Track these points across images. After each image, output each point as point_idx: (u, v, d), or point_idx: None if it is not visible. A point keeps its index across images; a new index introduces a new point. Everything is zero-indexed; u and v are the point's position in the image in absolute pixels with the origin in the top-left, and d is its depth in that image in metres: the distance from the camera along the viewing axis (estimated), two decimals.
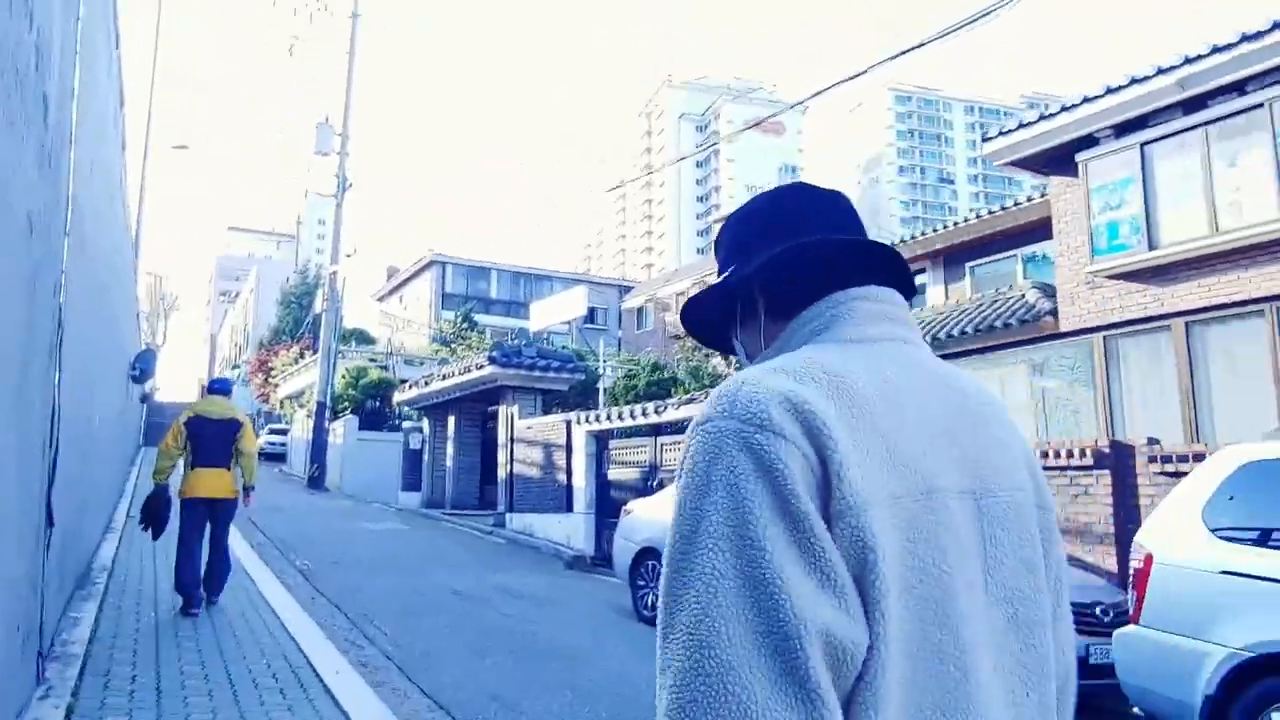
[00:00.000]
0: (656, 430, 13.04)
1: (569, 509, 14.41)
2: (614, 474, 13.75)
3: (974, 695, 0.83)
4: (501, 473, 17.10)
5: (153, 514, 7.16)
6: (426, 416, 21.26)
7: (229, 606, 7.41)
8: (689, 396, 12.12)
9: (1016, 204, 18.64)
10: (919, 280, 22.17)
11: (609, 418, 13.58)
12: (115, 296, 11.46)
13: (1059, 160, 12.45)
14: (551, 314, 36.79)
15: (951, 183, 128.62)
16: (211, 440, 7.08)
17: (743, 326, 1.09)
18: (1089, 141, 11.87)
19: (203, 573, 7.06)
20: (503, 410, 17.27)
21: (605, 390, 20.19)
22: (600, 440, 14.21)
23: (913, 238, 21.36)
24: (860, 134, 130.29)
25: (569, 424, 14.70)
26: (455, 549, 14.13)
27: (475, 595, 9.78)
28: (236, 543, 9.99)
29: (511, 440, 16.43)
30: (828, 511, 0.79)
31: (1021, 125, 12.53)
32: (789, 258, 1.01)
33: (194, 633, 6.33)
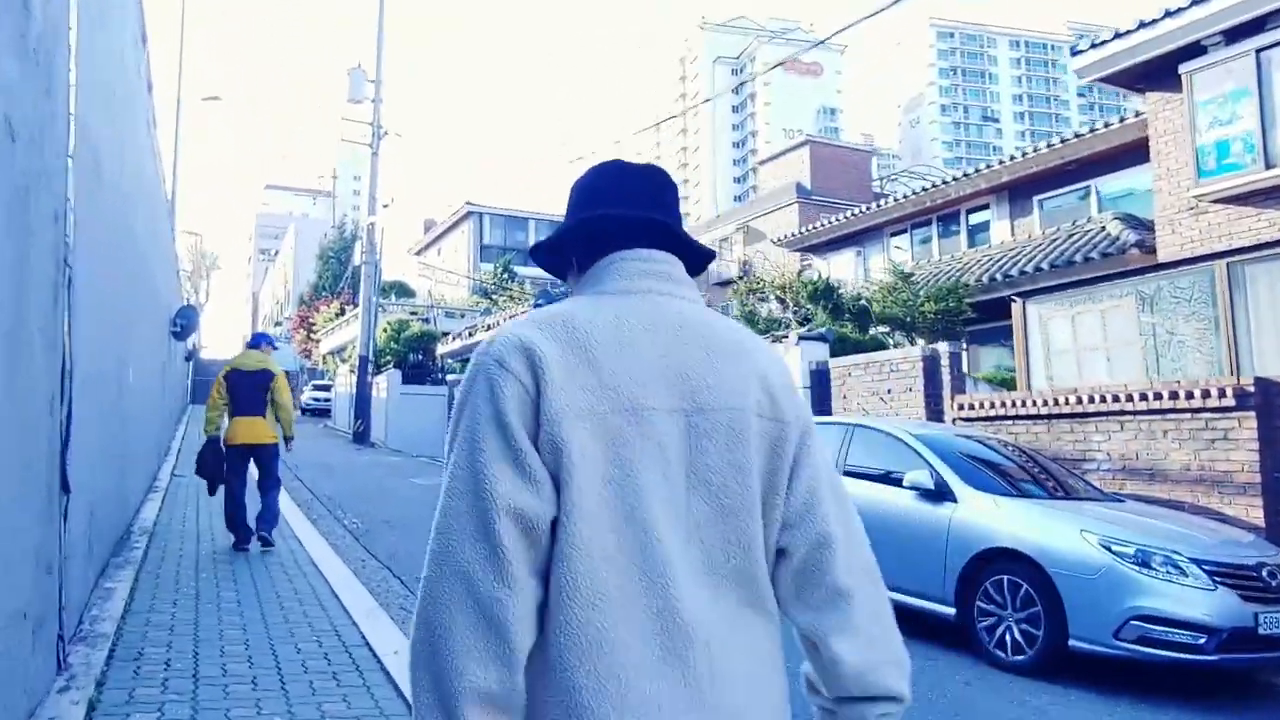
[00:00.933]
0: None
1: None
2: None
3: (657, 552, 1.12)
4: None
5: (206, 465, 7.68)
6: None
7: (276, 574, 6.86)
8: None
9: (1093, 130, 17.38)
10: (982, 216, 21.05)
11: None
12: (149, 247, 10.90)
13: (1158, 73, 11.29)
14: None
15: (996, 121, 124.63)
16: (247, 390, 7.53)
17: (572, 272, 1.41)
18: (1194, 51, 10.70)
19: (251, 516, 7.58)
20: None
21: None
22: None
23: (976, 171, 20.18)
24: (901, 73, 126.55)
25: None
26: None
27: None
28: (284, 501, 9.47)
29: None
30: (537, 423, 1.11)
31: (1117, 35, 11.36)
32: (578, 227, 1.35)
33: (238, 603, 5.76)
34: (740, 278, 36.20)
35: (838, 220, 24.24)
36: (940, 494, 6.18)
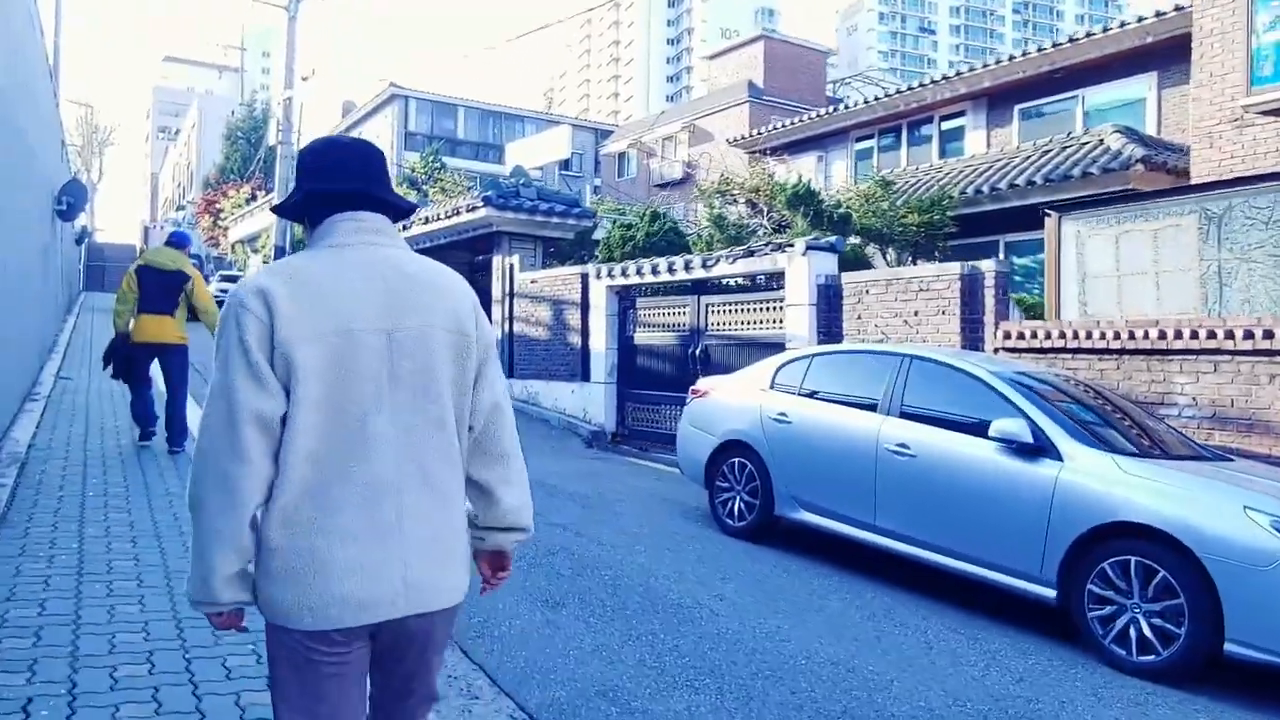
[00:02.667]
0: (699, 287, 10.89)
1: (585, 377, 12.38)
2: (642, 338, 11.67)
3: (363, 429, 1.70)
4: (496, 331, 14.92)
5: (112, 357, 7.55)
6: None
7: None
8: (747, 249, 9.97)
9: (1089, 35, 16.12)
10: (958, 123, 19.81)
11: (638, 272, 11.37)
12: (20, 109, 8.80)
13: None
14: (530, 155, 33.69)
15: (933, 33, 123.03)
16: (156, 289, 7.35)
17: (306, 227, 1.92)
18: None
19: (159, 414, 7.61)
20: (498, 260, 14.93)
21: (601, 242, 17.85)
22: (624, 298, 12.05)
23: (957, 74, 18.79)
24: None
25: (585, 278, 12.48)
26: None
27: None
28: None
29: (510, 295, 14.19)
30: (272, 345, 1.65)
31: None
32: (305, 200, 1.88)
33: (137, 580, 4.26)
34: (684, 179, 34.57)
35: (798, 121, 22.69)
36: (1039, 449, 5.00)
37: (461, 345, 1.83)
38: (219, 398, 1.65)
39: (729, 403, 7.12)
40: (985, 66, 18.39)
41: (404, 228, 17.26)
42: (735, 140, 25.33)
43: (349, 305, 1.72)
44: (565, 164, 40.63)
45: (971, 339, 7.75)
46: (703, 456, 7.16)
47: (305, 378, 1.65)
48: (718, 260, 10.21)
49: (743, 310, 10.12)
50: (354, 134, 45.50)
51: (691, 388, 7.71)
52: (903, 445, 5.65)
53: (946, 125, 20.07)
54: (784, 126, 22.85)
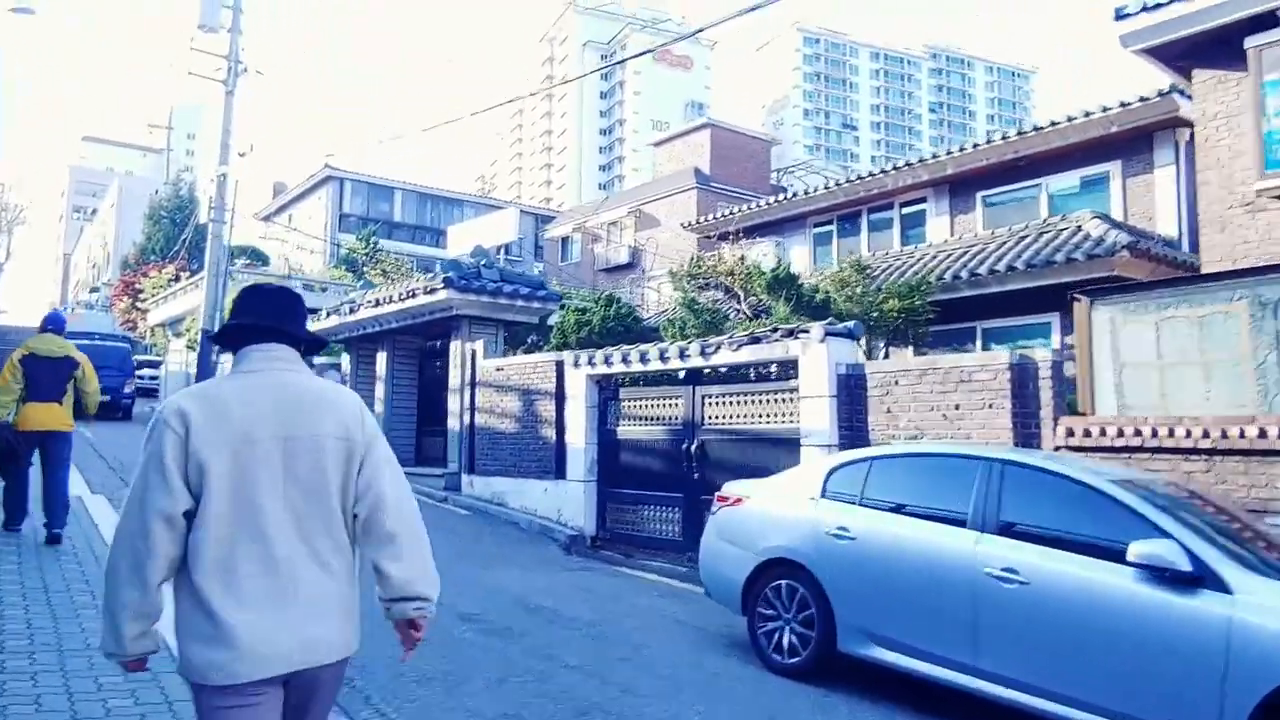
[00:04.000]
0: (694, 377, 9.96)
1: (560, 474, 11.23)
2: (626, 431, 10.63)
3: (260, 519, 2.14)
4: (454, 423, 13.70)
5: (3, 453, 7.23)
6: (348, 351, 17.48)
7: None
8: (750, 335, 9.10)
9: (1053, 124, 16.12)
10: (919, 209, 19.64)
11: (624, 360, 10.39)
12: None
13: (1213, 48, 9.80)
14: (473, 238, 32.75)
15: (855, 129, 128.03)
16: (46, 377, 7.24)
17: (231, 350, 2.40)
18: (1267, 21, 9.25)
19: (38, 503, 7.29)
20: (456, 346, 13.80)
21: (555, 327, 16.89)
22: (605, 388, 11.03)
23: (920, 160, 18.67)
24: (767, 74, 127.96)
25: (560, 365, 11.44)
26: None
27: (491, 620, 6.59)
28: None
29: (473, 384, 13.04)
30: (187, 455, 2.10)
31: None
32: (229, 331, 2.38)
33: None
34: (631, 264, 34.07)
35: (755, 207, 22.33)
36: (1195, 578, 4.11)
37: (347, 448, 2.29)
38: (135, 499, 2.13)
39: (770, 513, 6.11)
40: (949, 154, 18.30)
41: (351, 310, 16.06)
42: (690, 225, 24.88)
43: (251, 420, 2.19)
44: (506, 249, 39.86)
45: (1024, 436, 6.94)
46: (738, 577, 6.09)
47: (213, 478, 2.13)
48: (717, 348, 9.32)
49: (748, 402, 9.20)
50: (287, 214, 44.17)
51: (718, 494, 6.68)
52: (1010, 570, 4.70)
53: (907, 210, 19.89)
54: (738, 212, 22.47)
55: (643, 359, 10.12)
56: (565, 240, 38.67)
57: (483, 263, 14.08)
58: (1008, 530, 4.88)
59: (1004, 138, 17.20)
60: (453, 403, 13.75)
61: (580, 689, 5.09)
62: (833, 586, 5.52)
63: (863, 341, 13.36)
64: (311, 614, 2.18)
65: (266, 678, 2.12)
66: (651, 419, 10.30)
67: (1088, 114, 15.47)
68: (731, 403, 9.39)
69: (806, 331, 8.41)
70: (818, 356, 8.30)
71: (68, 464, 7.42)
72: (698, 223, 25.10)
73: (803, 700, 5.26)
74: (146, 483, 2.11)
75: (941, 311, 13.59)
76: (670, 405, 10.09)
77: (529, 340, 15.95)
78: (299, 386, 2.30)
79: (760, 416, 9.08)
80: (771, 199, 22.25)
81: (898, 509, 5.44)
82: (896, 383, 7.76)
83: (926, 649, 5.03)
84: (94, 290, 56.86)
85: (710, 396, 9.65)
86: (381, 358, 16.40)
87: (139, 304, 33.92)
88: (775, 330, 8.97)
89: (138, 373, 25.07)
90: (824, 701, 5.26)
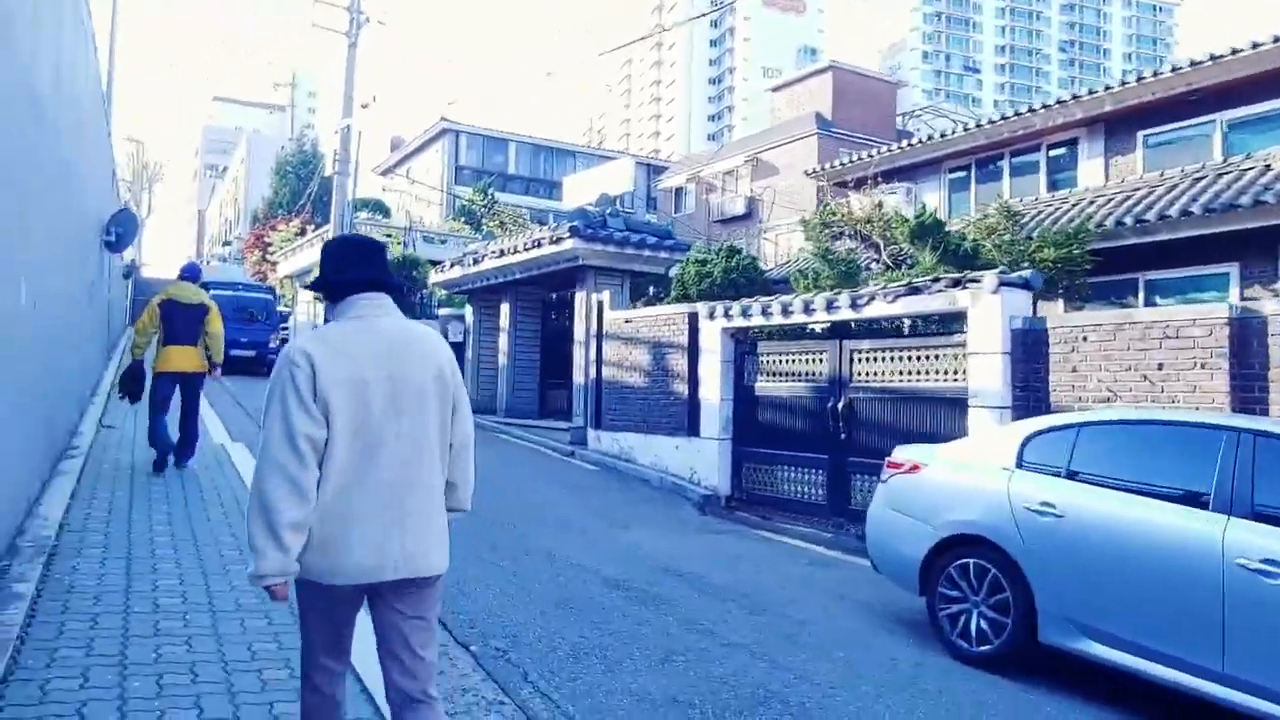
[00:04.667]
0: (841, 330, 9.28)
1: (693, 431, 10.77)
2: (765, 388, 10.05)
3: (377, 449, 2.45)
4: (579, 376, 13.39)
5: (130, 384, 8.06)
6: (471, 303, 17.40)
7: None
8: (909, 285, 8.35)
9: (1235, 52, 14.42)
10: (1068, 150, 18.14)
11: (764, 312, 9.78)
12: (68, 137, 7.58)
13: None
14: (590, 189, 32.53)
15: (978, 71, 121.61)
16: (182, 322, 7.80)
17: (327, 303, 2.69)
18: None
19: (175, 439, 7.89)
20: (582, 297, 13.44)
21: (675, 280, 16.33)
22: (741, 342, 10.46)
23: (1074, 98, 17.14)
24: (884, 15, 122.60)
25: (694, 318, 10.92)
26: (540, 481, 10.54)
27: (638, 586, 6.20)
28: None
29: (600, 335, 12.66)
30: (316, 389, 2.39)
31: None
32: (331, 285, 2.63)
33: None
34: (747, 214, 33.11)
35: (886, 151, 21.08)
36: None
37: (442, 389, 2.62)
38: (279, 422, 2.38)
39: (955, 483, 5.46)
40: (1107, 89, 16.72)
41: (475, 261, 15.89)
42: (813, 172, 23.77)
43: (364, 361, 2.49)
44: (619, 200, 39.43)
45: (1244, 401, 6.05)
46: (915, 553, 5.49)
47: (335, 412, 2.42)
48: (870, 299, 8.60)
49: (904, 359, 8.48)
50: (404, 168, 44.75)
51: (888, 460, 6.07)
52: (1272, 562, 3.96)
53: (1056, 152, 18.42)
54: (865, 158, 21.31)
55: (785, 311, 9.49)
56: (679, 191, 37.91)
57: (608, 211, 13.63)
58: (1265, 515, 4.12)
59: (1174, 69, 15.56)
60: (578, 355, 13.43)
61: (750, 672, 4.62)
62: (1033, 569, 4.86)
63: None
64: (415, 533, 2.51)
65: (366, 584, 2.48)
66: (792, 375, 9.69)
67: (1277, 39, 13.78)
68: (884, 359, 8.69)
69: (977, 281, 7.62)
70: (989, 309, 7.50)
71: (199, 404, 8.17)
72: (821, 169, 23.98)
73: (1000, 696, 4.66)
74: (287, 411, 2.37)
75: (1099, 262, 12.44)
76: (814, 361, 9.45)
77: (649, 292, 15.47)
78: (400, 331, 2.61)
79: (918, 374, 8.35)
80: (904, 143, 20.96)
81: (1116, 485, 4.72)
82: (1085, 338, 6.91)
83: (1155, 648, 4.34)
84: (226, 244, 59.49)
85: (860, 352, 8.96)
86: (504, 309, 16.23)
87: (268, 256, 35.04)
88: (938, 280, 8.19)
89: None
90: (1025, 699, 4.65)
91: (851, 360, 9.02)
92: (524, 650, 4.67)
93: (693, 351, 10.88)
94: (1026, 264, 11.86)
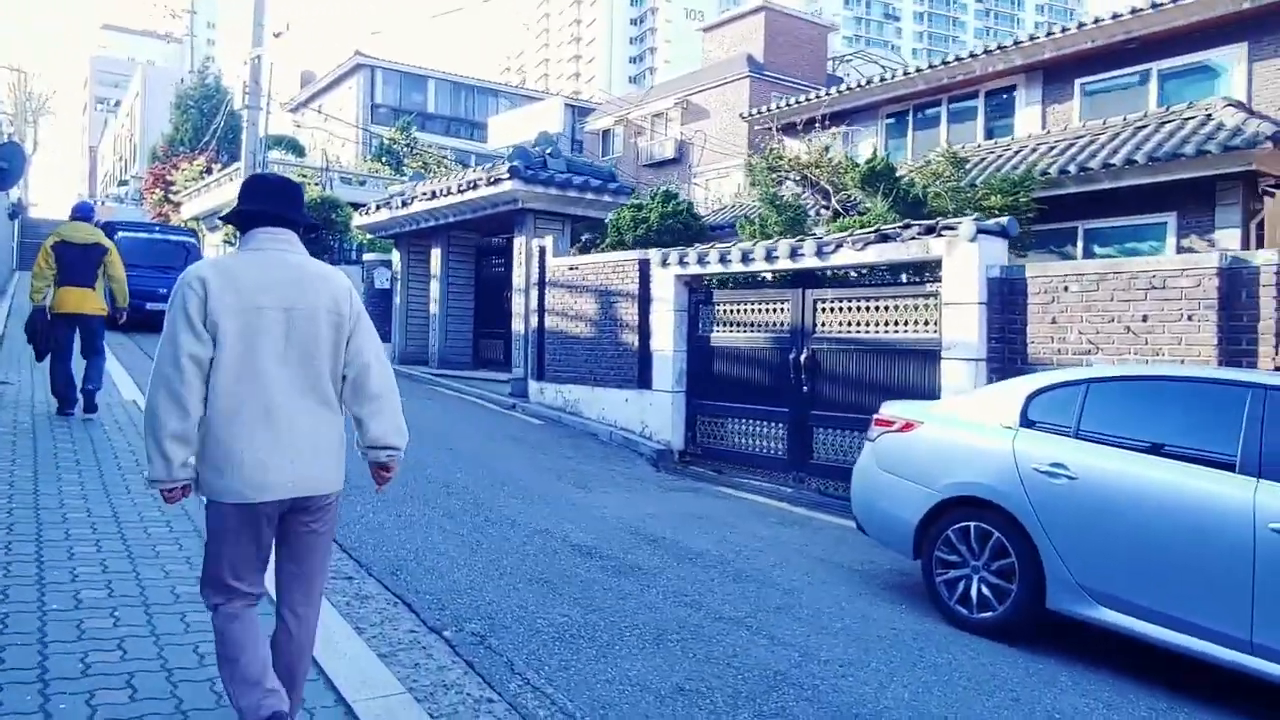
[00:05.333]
0: (804, 279, 8.93)
1: (644, 383, 10.36)
2: (721, 339, 9.67)
3: (264, 375, 2.55)
4: (519, 326, 12.80)
5: (35, 339, 7.70)
6: (398, 248, 16.50)
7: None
8: (878, 232, 8.01)
9: (1156, 4, 14.41)
10: (1006, 98, 18.12)
11: (722, 260, 9.35)
12: None
13: None
14: (517, 129, 31.39)
15: (897, 19, 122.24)
16: (77, 263, 7.56)
17: (241, 231, 2.76)
18: None
19: (79, 384, 7.72)
20: (521, 243, 12.79)
21: (609, 225, 15.75)
22: (696, 291, 10.04)
23: (1015, 43, 16.99)
24: None
25: (645, 265, 10.43)
26: (485, 438, 10.01)
27: (613, 554, 5.80)
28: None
29: (542, 283, 12.06)
30: (206, 313, 2.50)
31: None
32: (241, 215, 2.74)
33: None
34: (677, 158, 32.50)
35: (820, 96, 20.73)
36: None
37: (338, 320, 2.70)
38: (169, 344, 2.51)
39: (955, 442, 5.17)
40: (1049, 35, 16.63)
41: (403, 203, 15.01)
42: (750, 115, 23.29)
43: (258, 290, 2.58)
44: (537, 142, 38.23)
45: (1231, 354, 5.91)
46: (910, 516, 5.21)
47: (225, 335, 2.52)
48: (837, 246, 8.24)
49: (872, 309, 8.18)
50: (316, 105, 42.51)
51: (877, 416, 5.74)
52: None
53: (994, 99, 18.37)
54: (799, 103, 20.94)
55: (745, 258, 9.08)
56: (606, 134, 37.00)
57: (549, 151, 12.92)
58: None
59: (1114, 16, 15.51)
60: (518, 303, 12.82)
61: (752, 651, 4.27)
62: (1041, 534, 4.61)
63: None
64: (304, 455, 2.62)
65: (263, 501, 2.57)
66: (751, 325, 9.33)
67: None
68: (851, 309, 8.38)
69: (953, 229, 7.32)
70: (965, 257, 7.22)
71: (103, 348, 7.93)
72: (758, 113, 23.49)
73: (1011, 666, 4.43)
74: (176, 331, 2.50)
75: (1041, 210, 12.39)
76: (774, 310, 9.10)
77: (583, 239, 14.87)
78: (298, 265, 2.70)
79: (886, 325, 8.07)
80: (842, 87, 20.61)
81: (1132, 445, 4.48)
82: (1066, 288, 6.69)
83: (1177, 615, 4.14)
84: (122, 183, 55.97)
85: (824, 301, 8.63)
86: (436, 255, 15.42)
87: (171, 196, 32.98)
88: (909, 226, 7.87)
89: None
90: (1037, 669, 4.43)
91: (815, 310, 8.69)
92: (504, 635, 4.22)
93: (644, 300, 10.41)
94: (972, 211, 11.70)
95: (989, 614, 4.82)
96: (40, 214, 40.55)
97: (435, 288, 15.44)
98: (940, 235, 7.37)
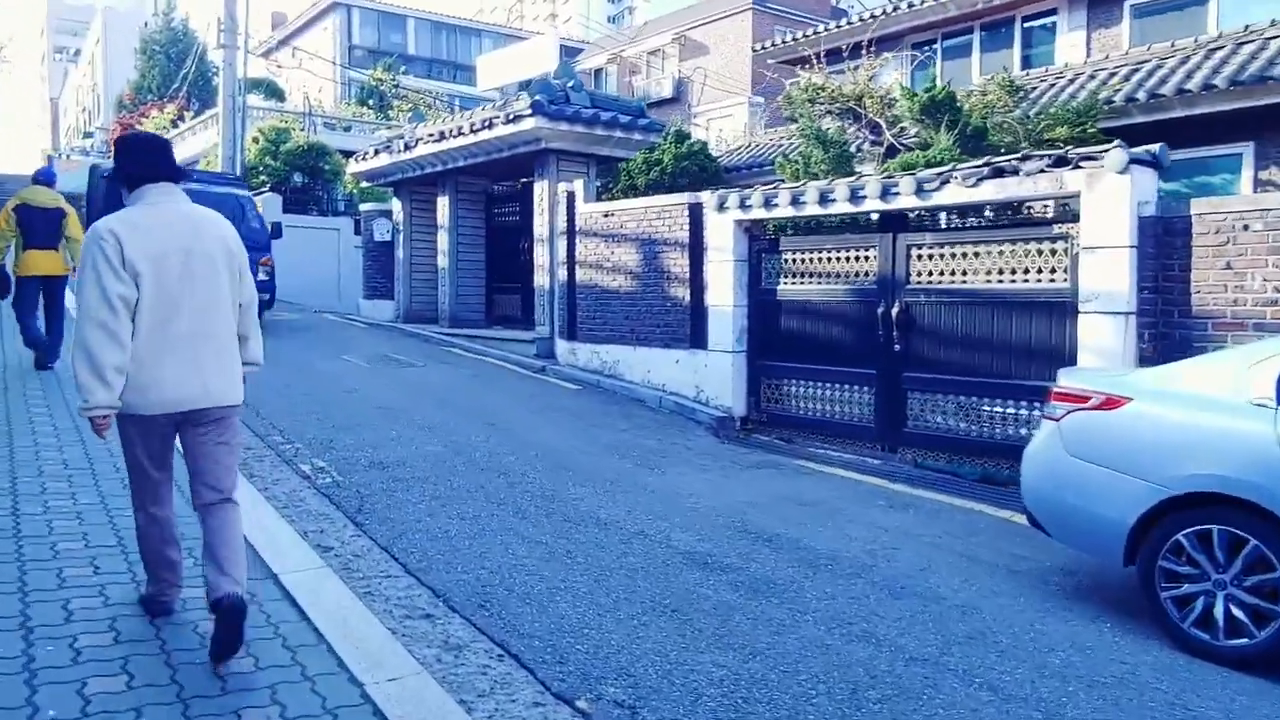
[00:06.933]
0: (892, 222, 7.79)
1: (696, 343, 9.26)
2: (790, 291, 8.56)
3: (175, 307, 3.04)
4: (542, 279, 11.62)
5: (3, 288, 8.05)
6: (399, 196, 15.15)
7: None
8: (991, 165, 6.87)
9: None
10: (1046, 22, 16.93)
11: (793, 201, 8.18)
12: None
13: None
14: (508, 69, 29.63)
15: None
16: (40, 226, 7.89)
17: (125, 193, 3.20)
18: None
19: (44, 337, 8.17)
20: (543, 187, 11.54)
21: (621, 169, 14.47)
22: (757, 238, 8.89)
23: None
24: None
25: (696, 209, 9.25)
26: (523, 408, 8.88)
27: (729, 562, 4.76)
28: None
29: (571, 232, 10.84)
30: (124, 259, 2.95)
31: None
32: (128, 176, 3.18)
33: None
34: (675, 97, 30.98)
35: (845, 24, 19.33)
36: None
37: (229, 260, 3.21)
38: (94, 287, 2.92)
39: (1183, 422, 4.11)
40: None
41: (406, 147, 13.65)
42: (761, 49, 21.83)
43: (161, 238, 3.04)
44: (526, 84, 36.59)
45: None
46: (1121, 516, 4.17)
47: (141, 277, 2.97)
48: (942, 182, 7.10)
49: (983, 255, 7.07)
50: (289, 48, 40.39)
51: (1057, 389, 4.67)
52: None
53: (1032, 24, 17.11)
54: (812, 34, 19.56)
55: (823, 199, 7.92)
56: (598, 72, 35.29)
57: (570, 85, 11.59)
58: None
59: None
60: (541, 255, 11.61)
61: (984, 714, 3.25)
62: None
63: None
64: (211, 372, 3.13)
65: (171, 413, 3.08)
66: (826, 275, 8.21)
67: None
68: (954, 255, 7.27)
69: (1094, 159, 6.19)
70: (1113, 193, 6.11)
71: (64, 309, 8.13)
72: (766, 47, 22.01)
73: None
74: (100, 276, 2.93)
75: (1105, 142, 11.26)
76: (857, 259, 7.98)
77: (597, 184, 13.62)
78: (190, 214, 3.20)
79: (1001, 273, 6.98)
80: (864, 13, 19.20)
81: None
82: (1246, 227, 5.62)
83: None
84: (87, 135, 53.49)
85: (921, 247, 7.52)
86: (443, 203, 14.11)
87: None
88: (1028, 158, 6.73)
89: None
90: None
91: (908, 257, 7.58)
92: (658, 704, 3.17)
93: (696, 249, 9.25)
94: (1029, 144, 10.60)
95: (1243, 642, 3.82)
96: (2, 170, 38.51)
97: (443, 239, 14.16)
98: (1079, 167, 6.25)
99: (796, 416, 8.54)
